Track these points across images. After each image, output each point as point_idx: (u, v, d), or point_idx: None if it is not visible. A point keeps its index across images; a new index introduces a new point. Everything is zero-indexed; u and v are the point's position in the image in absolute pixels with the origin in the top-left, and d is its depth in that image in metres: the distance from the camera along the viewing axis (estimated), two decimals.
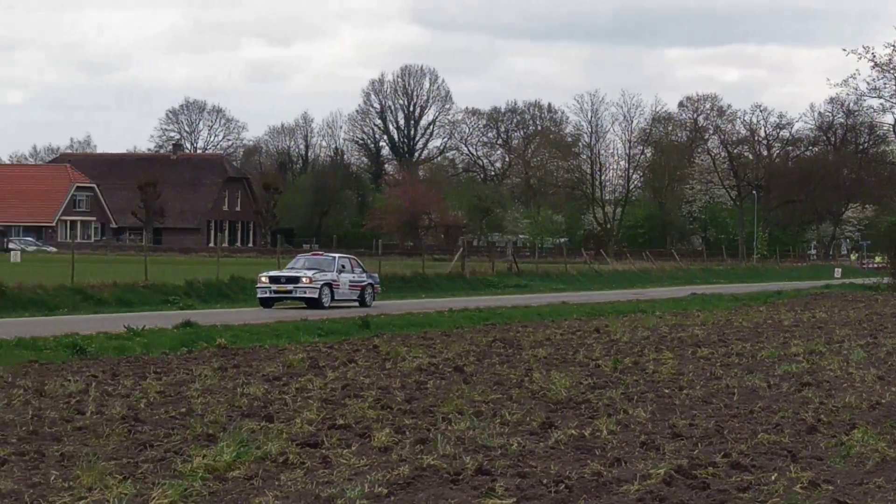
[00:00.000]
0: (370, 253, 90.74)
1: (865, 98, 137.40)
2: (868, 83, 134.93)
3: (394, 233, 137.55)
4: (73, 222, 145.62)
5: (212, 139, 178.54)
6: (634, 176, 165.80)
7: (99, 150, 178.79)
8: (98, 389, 20.84)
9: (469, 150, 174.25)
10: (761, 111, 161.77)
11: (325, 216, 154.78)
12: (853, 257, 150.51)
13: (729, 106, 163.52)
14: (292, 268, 49.41)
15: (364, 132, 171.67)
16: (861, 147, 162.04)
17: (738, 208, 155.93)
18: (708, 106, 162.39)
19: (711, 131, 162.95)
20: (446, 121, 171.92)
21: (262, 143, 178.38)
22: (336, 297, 48.25)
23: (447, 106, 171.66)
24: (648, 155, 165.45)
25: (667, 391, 21.66)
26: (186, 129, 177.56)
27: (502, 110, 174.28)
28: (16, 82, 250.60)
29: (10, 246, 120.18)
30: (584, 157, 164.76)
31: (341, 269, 48.98)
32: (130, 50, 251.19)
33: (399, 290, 60.83)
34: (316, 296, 47.10)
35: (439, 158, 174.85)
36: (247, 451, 14.62)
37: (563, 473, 13.74)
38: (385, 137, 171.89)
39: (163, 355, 27.86)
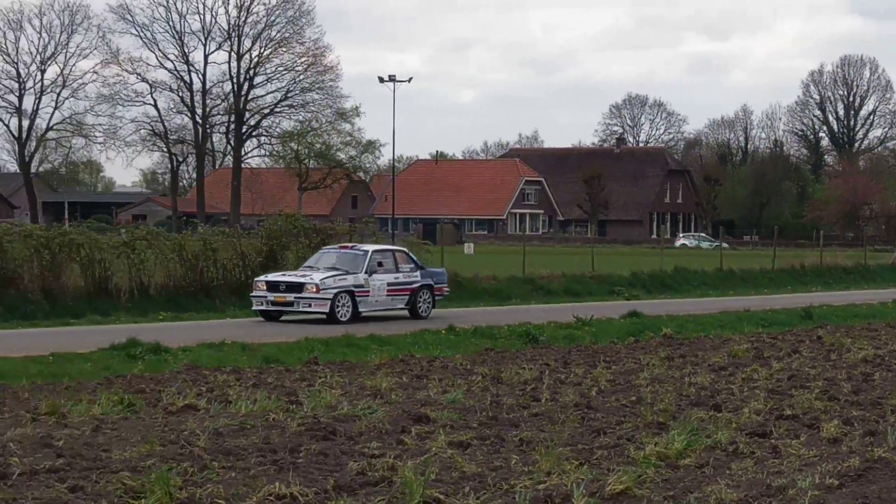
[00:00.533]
0: (810, 244, 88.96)
1: None
2: None
3: (833, 224, 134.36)
4: (521, 215, 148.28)
5: (653, 132, 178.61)
6: None
7: (546, 145, 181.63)
8: (551, 377, 21.22)
9: None
10: None
11: (765, 207, 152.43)
12: None
13: None
14: (308, 267, 34.88)
15: (803, 123, 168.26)
16: None
17: None
18: None
19: None
20: (887, 110, 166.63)
21: (702, 136, 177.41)
22: (365, 308, 34.01)
23: (888, 95, 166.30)
24: None
25: None
26: (629, 123, 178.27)
27: None
28: (468, 81, 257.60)
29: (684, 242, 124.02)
30: None
31: (375, 269, 34.40)
32: (574, 47, 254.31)
33: (841, 280, 59.33)
34: (326, 309, 32.88)
35: (879, 149, 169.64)
36: (697, 440, 14.60)
37: None
38: (824, 128, 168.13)
39: (611, 344, 28.12)
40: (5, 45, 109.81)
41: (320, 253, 36.06)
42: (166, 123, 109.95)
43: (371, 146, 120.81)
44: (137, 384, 19.87)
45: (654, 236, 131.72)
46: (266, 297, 33.16)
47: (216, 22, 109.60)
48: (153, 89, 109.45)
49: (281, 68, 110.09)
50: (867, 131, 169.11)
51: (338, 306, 33.05)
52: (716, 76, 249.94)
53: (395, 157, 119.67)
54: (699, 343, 28.40)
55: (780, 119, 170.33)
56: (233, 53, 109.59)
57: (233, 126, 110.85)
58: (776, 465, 13.57)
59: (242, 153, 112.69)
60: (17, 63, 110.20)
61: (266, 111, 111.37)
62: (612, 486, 12.18)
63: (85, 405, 17.05)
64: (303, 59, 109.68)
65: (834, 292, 51.29)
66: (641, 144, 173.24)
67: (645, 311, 35.27)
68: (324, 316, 32.80)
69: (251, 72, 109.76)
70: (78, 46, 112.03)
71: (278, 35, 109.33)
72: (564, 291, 46.29)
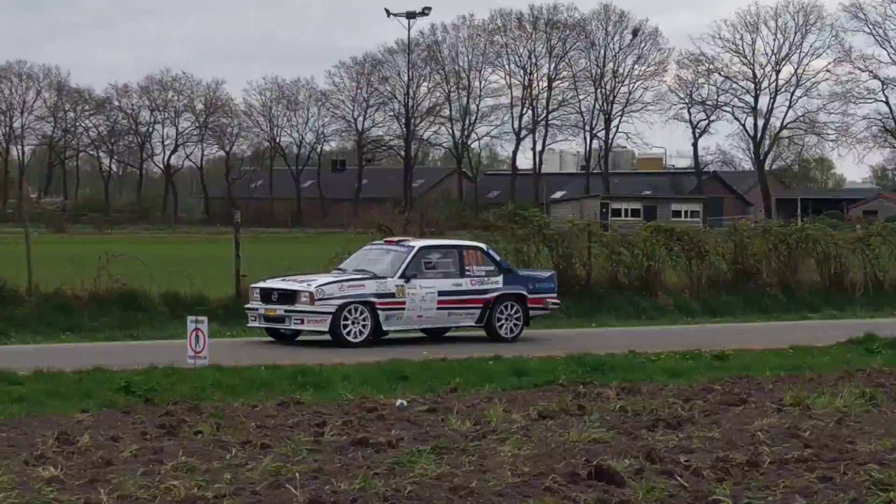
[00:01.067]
0: None
1: None
2: None
3: None
4: None
5: None
6: None
7: None
8: None
9: None
10: None
11: None
12: None
13: None
14: (339, 270, 26.18)
15: None
16: None
17: None
18: None
19: None
20: None
21: None
22: (398, 325, 25.05)
23: None
24: None
25: None
26: None
27: None
28: None
29: None
30: None
31: (419, 271, 25.18)
32: None
33: None
34: (325, 327, 24.21)
35: None
36: None
37: None
38: None
39: None
40: (742, 47, 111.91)
41: (364, 251, 26.92)
42: None
43: None
44: (877, 378, 19.60)
45: None
46: (258, 309, 24.91)
47: None
48: (885, 86, 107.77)
49: None
50: None
51: (345, 323, 24.08)
52: None
53: None
54: None
55: None
56: None
57: None
58: None
59: None
60: (752, 64, 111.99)
61: None
62: None
63: (827, 397, 17.03)
64: None
65: None
66: None
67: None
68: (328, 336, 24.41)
69: None
70: (811, 46, 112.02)
71: None
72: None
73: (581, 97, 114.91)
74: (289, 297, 24.46)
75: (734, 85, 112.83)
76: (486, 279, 25.69)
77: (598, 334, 27.36)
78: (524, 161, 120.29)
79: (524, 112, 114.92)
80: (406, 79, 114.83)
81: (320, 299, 24.02)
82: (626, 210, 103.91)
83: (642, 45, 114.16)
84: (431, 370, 20.10)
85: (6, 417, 15.66)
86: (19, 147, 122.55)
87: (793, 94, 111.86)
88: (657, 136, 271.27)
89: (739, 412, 16.12)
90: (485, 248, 26.79)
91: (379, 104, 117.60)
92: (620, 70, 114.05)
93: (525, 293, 26.04)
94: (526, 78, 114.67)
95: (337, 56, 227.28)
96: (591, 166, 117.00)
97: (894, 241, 36.68)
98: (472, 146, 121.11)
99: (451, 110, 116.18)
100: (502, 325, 25.69)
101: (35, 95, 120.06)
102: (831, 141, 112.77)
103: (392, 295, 24.67)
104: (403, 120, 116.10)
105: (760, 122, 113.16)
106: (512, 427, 14.68)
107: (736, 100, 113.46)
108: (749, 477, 12.02)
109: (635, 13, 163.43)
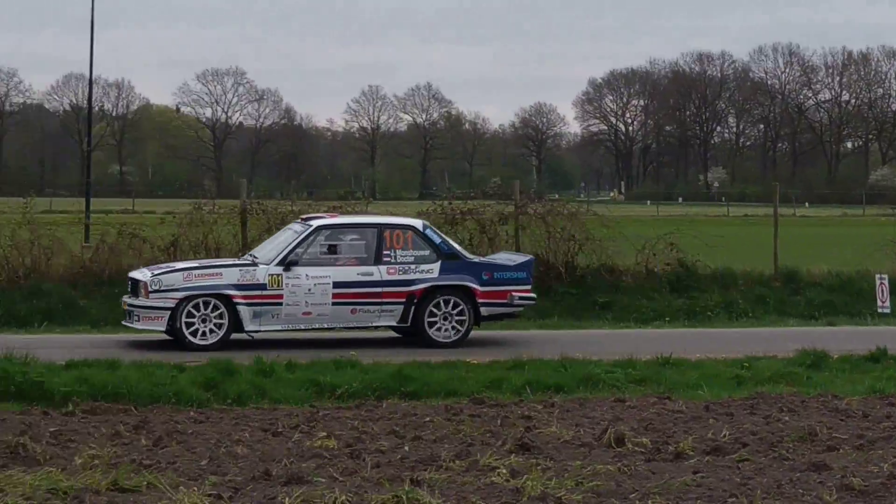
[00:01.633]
0: None
1: None
2: None
3: None
4: None
5: None
6: None
7: None
8: None
9: None
10: None
11: None
12: None
13: None
14: (254, 255, 20.98)
15: None
16: None
17: None
18: None
19: None
20: None
21: None
22: (272, 325, 19.71)
23: None
24: None
25: None
26: None
27: None
28: None
29: None
30: None
31: (313, 257, 19.97)
32: None
33: None
34: (161, 326, 19.49)
35: None
36: None
37: None
38: None
39: None
40: None
41: (282, 231, 21.92)
42: None
43: None
44: None
45: None
46: (126, 301, 20.23)
47: None
48: None
49: None
50: None
51: (190, 321, 19.33)
52: None
53: None
54: None
55: None
56: None
57: None
58: None
59: None
60: None
61: None
62: None
63: None
64: None
65: None
66: None
67: None
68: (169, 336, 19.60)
69: None
70: None
71: None
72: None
73: None
74: (134, 287, 20.06)
75: None
76: (411, 267, 20.08)
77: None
78: None
79: None
80: None
81: (156, 291, 19.43)
82: None
83: None
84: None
85: None
86: None
87: None
88: None
89: None
90: (419, 227, 20.61)
91: None
92: None
93: (472, 285, 20.18)
94: None
95: None
96: None
97: None
98: None
99: None
100: (440, 327, 20.06)
101: None
102: None
103: (262, 286, 19.57)
104: None
105: None
106: None
107: None
108: None
109: None
